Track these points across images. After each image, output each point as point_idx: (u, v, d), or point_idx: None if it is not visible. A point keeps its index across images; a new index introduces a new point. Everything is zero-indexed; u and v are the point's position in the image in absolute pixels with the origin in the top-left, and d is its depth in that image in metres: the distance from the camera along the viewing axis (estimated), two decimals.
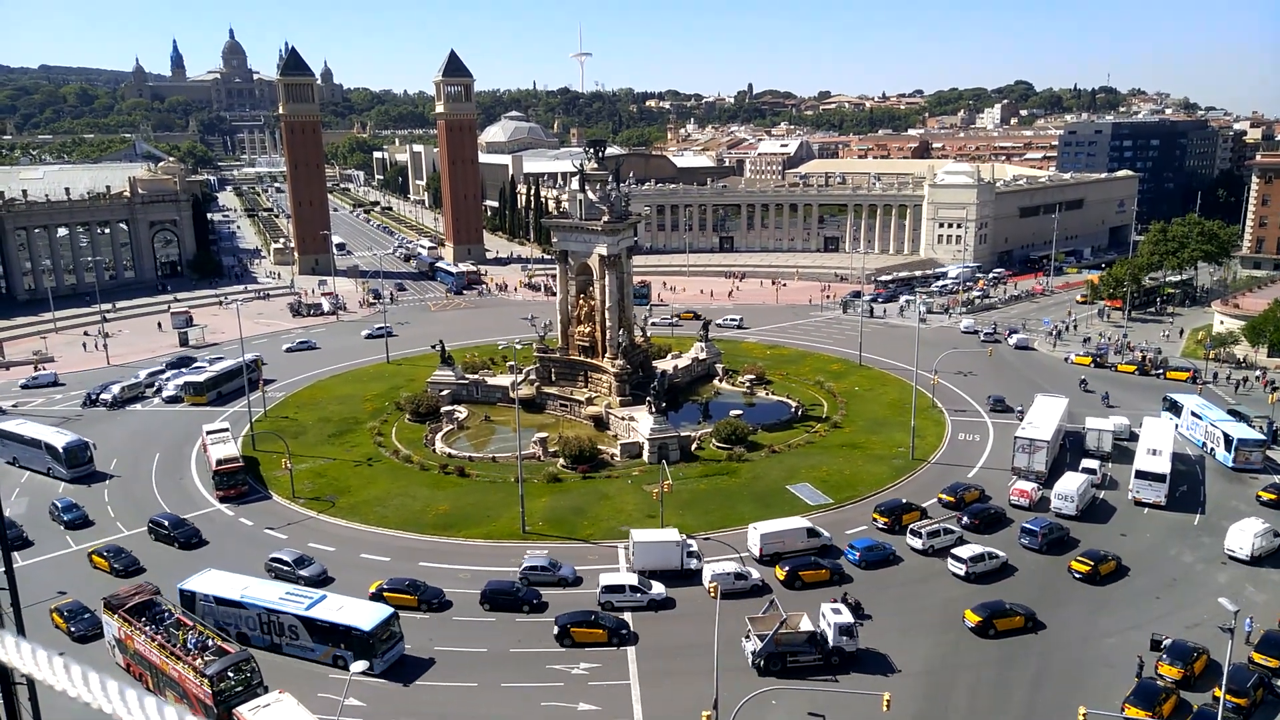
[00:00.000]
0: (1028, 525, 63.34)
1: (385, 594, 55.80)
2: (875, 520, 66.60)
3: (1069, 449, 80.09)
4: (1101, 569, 58.26)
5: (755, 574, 58.02)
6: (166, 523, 66.50)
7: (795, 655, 48.47)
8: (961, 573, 58.34)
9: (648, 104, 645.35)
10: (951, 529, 63.21)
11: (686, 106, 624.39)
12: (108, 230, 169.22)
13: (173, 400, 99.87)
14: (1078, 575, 58.15)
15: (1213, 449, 78.78)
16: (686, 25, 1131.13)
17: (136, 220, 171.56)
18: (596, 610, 54.13)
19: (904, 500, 68.83)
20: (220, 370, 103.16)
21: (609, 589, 55.83)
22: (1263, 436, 78.25)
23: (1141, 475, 69.87)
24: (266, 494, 74.59)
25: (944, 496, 70.23)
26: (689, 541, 61.12)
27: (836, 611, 50.11)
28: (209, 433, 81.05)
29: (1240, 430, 77.42)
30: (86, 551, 63.24)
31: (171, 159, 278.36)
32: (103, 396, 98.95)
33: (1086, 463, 75.67)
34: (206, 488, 74.66)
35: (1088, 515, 67.33)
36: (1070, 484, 68.01)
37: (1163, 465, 69.97)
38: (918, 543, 62.04)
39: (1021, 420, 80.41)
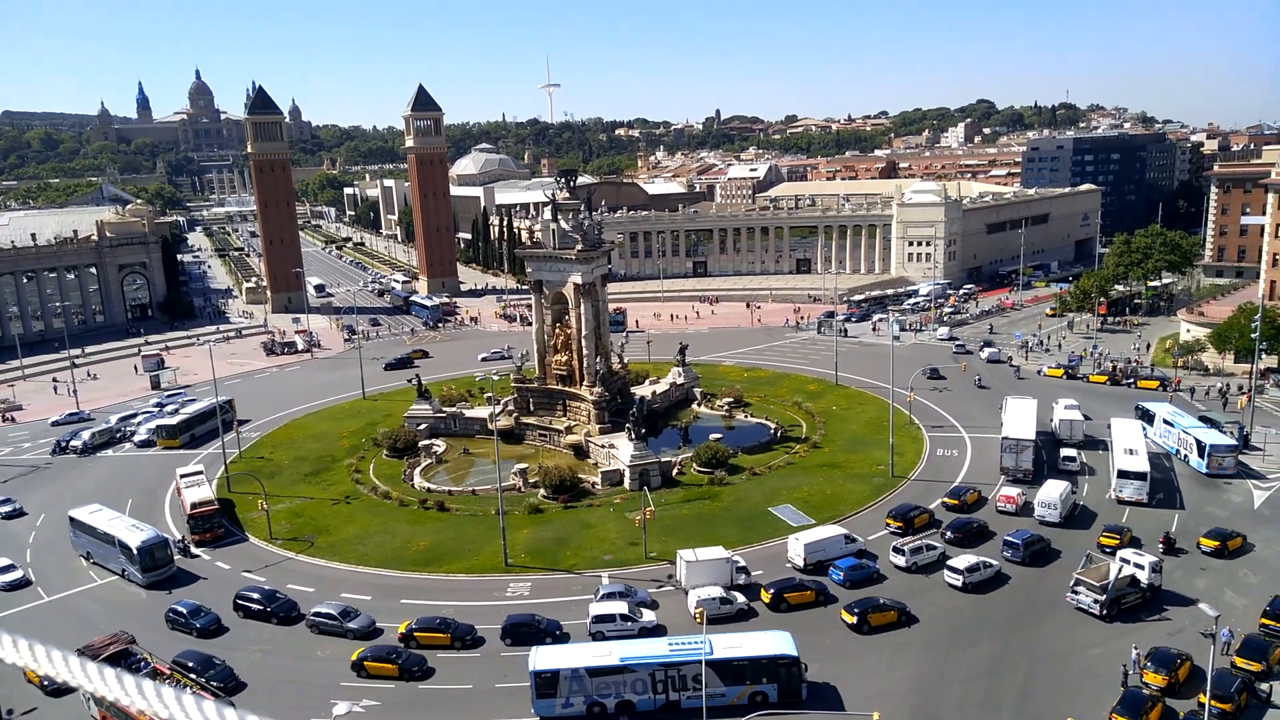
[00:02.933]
0: (1009, 538, 63.73)
1: (415, 634, 54.89)
2: (889, 525, 68.49)
3: (1042, 447, 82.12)
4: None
5: (740, 598, 57.78)
6: (185, 610, 59.50)
7: (1125, 598, 54.51)
8: (959, 583, 58.68)
9: (617, 132, 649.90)
10: (934, 545, 63.45)
11: (656, 134, 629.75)
12: (75, 275, 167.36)
13: (145, 444, 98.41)
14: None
15: (1186, 455, 79.83)
16: (653, 54, 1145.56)
17: (105, 264, 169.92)
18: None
19: (914, 505, 71.16)
20: (193, 412, 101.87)
21: (599, 619, 55.31)
22: (1234, 442, 79.44)
23: (1124, 475, 72.17)
24: (243, 536, 73.48)
25: (948, 500, 72.52)
26: (736, 557, 61.36)
27: (1138, 554, 57.56)
28: (183, 476, 79.75)
29: (1212, 436, 78.56)
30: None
31: (139, 201, 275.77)
32: (73, 443, 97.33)
33: (1065, 451, 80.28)
34: (182, 532, 73.40)
35: (1070, 522, 68.57)
36: (1052, 491, 69.46)
37: (1142, 464, 72.58)
38: (901, 560, 62.21)
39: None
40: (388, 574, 65.52)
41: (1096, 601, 54.22)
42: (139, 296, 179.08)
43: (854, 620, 54.67)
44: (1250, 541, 63.83)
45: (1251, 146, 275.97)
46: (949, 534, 66.31)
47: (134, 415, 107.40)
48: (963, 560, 60.02)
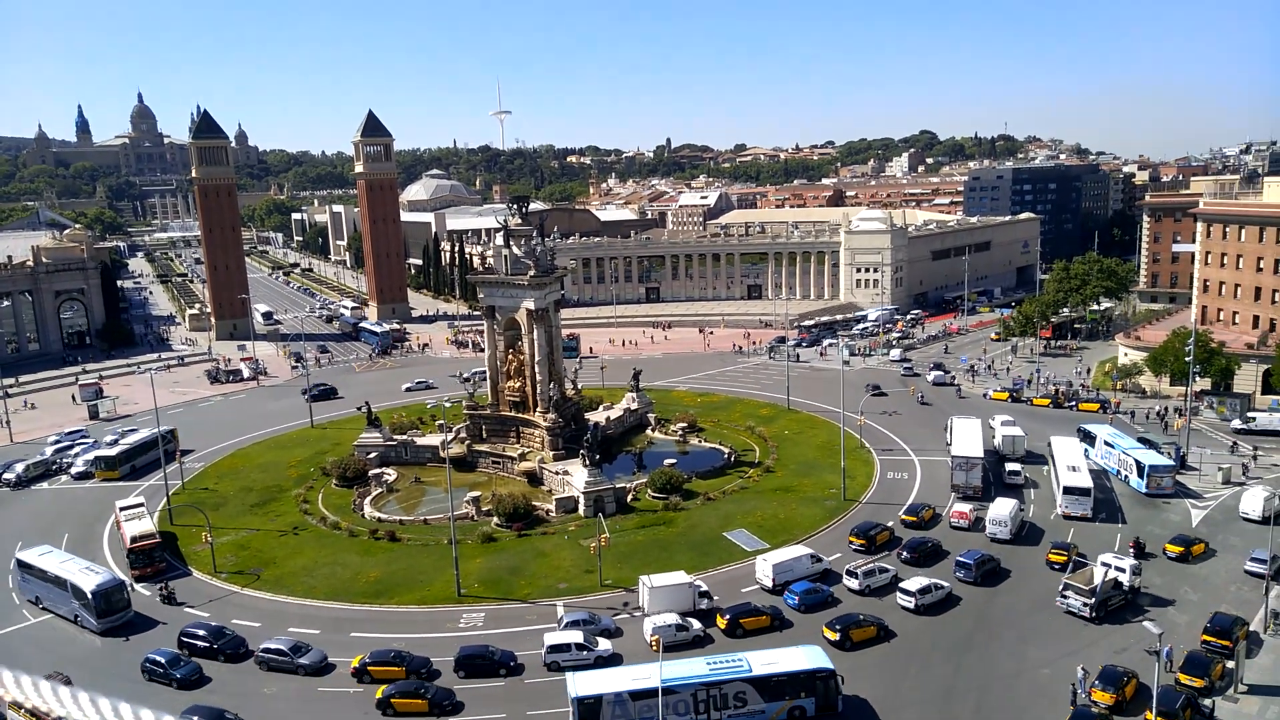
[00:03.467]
0: (961, 559, 64.93)
1: (369, 668, 53.46)
2: (852, 543, 69.95)
3: (988, 465, 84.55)
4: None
5: (696, 624, 57.62)
6: (163, 660, 56.18)
7: (1110, 600, 57.78)
8: (911, 605, 59.43)
9: (569, 160, 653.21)
10: (886, 568, 64.23)
11: (607, 161, 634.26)
12: (10, 302, 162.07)
13: (82, 476, 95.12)
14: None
15: (1126, 476, 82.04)
16: (605, 82, 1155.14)
17: (41, 290, 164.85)
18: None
19: (875, 523, 72.80)
20: (133, 443, 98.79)
21: (554, 648, 54.72)
22: (1172, 462, 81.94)
23: (1070, 491, 75.14)
24: (186, 570, 71.23)
25: (906, 517, 74.68)
26: (698, 582, 61.85)
27: (1118, 558, 61.32)
28: (123, 509, 77.29)
29: (1151, 457, 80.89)
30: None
31: (77, 226, 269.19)
32: (5, 476, 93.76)
33: (1010, 466, 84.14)
34: (121, 567, 70.88)
35: (1019, 539, 70.74)
36: (1003, 509, 71.80)
37: (1086, 480, 75.72)
38: (855, 583, 62.78)
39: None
40: (337, 606, 64.00)
41: (1086, 604, 57.21)
42: (77, 324, 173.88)
43: (836, 637, 55.40)
44: (1212, 547, 67.73)
45: (1180, 177, 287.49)
46: (905, 554, 67.54)
47: (69, 446, 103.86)
48: (914, 582, 60.86)
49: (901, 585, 61.13)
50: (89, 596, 60.70)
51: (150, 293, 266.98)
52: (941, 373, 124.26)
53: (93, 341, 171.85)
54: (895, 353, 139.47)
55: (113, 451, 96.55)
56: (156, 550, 70.94)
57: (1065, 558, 64.80)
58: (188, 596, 66.26)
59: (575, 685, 47.18)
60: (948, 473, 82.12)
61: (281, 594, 66.32)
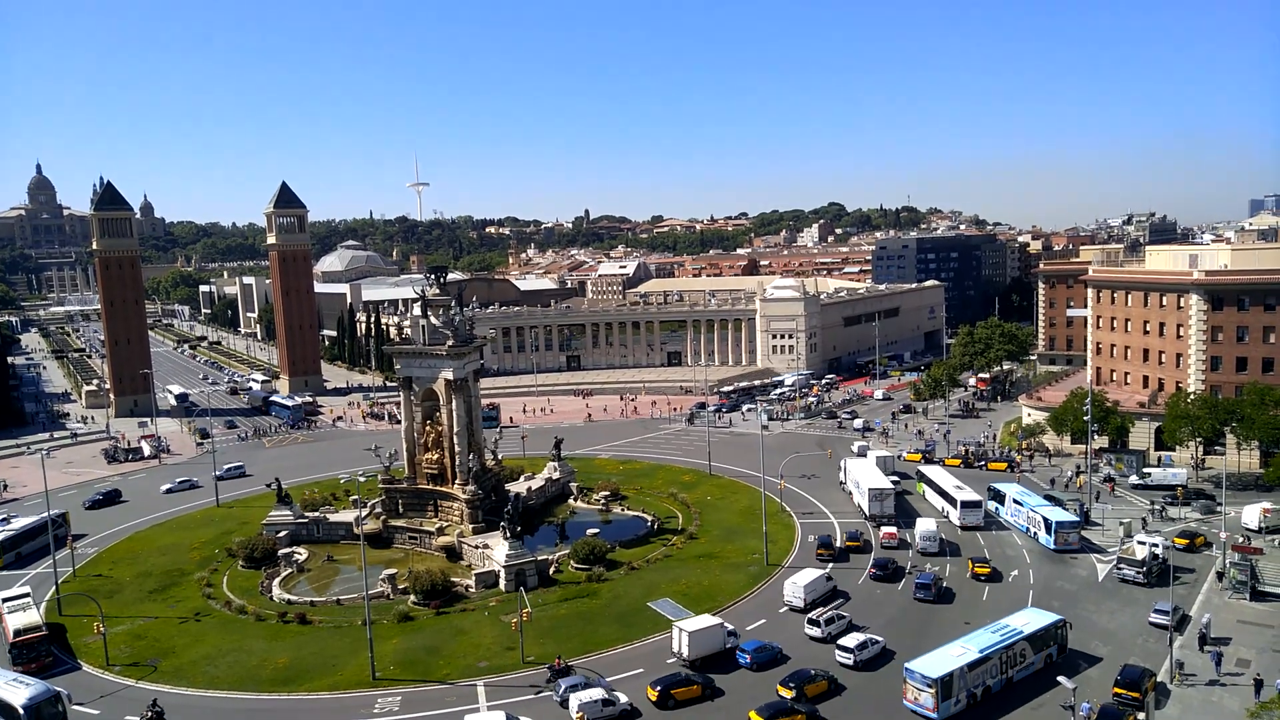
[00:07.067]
0: (920, 580, 72.79)
1: None
2: (819, 555, 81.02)
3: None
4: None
5: (623, 698, 56.29)
6: None
7: (1152, 568, 72.81)
8: (850, 661, 60.52)
9: (488, 230, 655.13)
10: (843, 615, 66.99)
11: (526, 232, 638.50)
12: None
13: None
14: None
15: (1035, 533, 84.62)
16: (522, 155, 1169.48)
17: None
18: None
19: (834, 537, 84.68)
20: (18, 529, 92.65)
21: None
22: (1078, 518, 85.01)
23: (966, 505, 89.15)
24: (75, 664, 66.36)
25: (851, 543, 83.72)
26: (726, 625, 64.40)
27: (1149, 536, 78.11)
28: (5, 600, 72.09)
29: (1058, 514, 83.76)
30: None
31: None
32: None
33: (891, 478, 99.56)
34: (3, 664, 65.61)
35: (943, 552, 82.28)
36: (929, 526, 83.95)
37: (974, 494, 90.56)
38: (817, 631, 64.73)
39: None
40: (241, 696, 60.35)
41: (1139, 572, 72.61)
42: None
43: (792, 694, 55.18)
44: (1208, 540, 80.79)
45: (1070, 246, 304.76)
46: (877, 571, 76.41)
47: None
48: (852, 639, 62.10)
49: (840, 643, 62.02)
50: (19, 712, 53.93)
51: (44, 369, 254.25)
52: (864, 443, 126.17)
53: None
54: (856, 422, 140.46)
55: None
56: (42, 644, 66.06)
57: (988, 570, 75.93)
58: (76, 693, 61.53)
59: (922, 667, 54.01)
60: (850, 506, 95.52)
61: (181, 686, 62.26)
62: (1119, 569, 74.15)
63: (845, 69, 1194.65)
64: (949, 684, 53.00)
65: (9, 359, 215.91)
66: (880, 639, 62.92)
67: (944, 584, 73.81)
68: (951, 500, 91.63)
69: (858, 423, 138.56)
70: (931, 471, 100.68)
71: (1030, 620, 60.25)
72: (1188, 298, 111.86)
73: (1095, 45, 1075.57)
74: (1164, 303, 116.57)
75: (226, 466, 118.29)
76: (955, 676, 53.32)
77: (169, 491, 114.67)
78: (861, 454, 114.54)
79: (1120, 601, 70.11)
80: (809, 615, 66.58)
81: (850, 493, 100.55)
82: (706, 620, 63.91)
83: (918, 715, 53.29)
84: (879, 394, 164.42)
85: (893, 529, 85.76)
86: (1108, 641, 63.26)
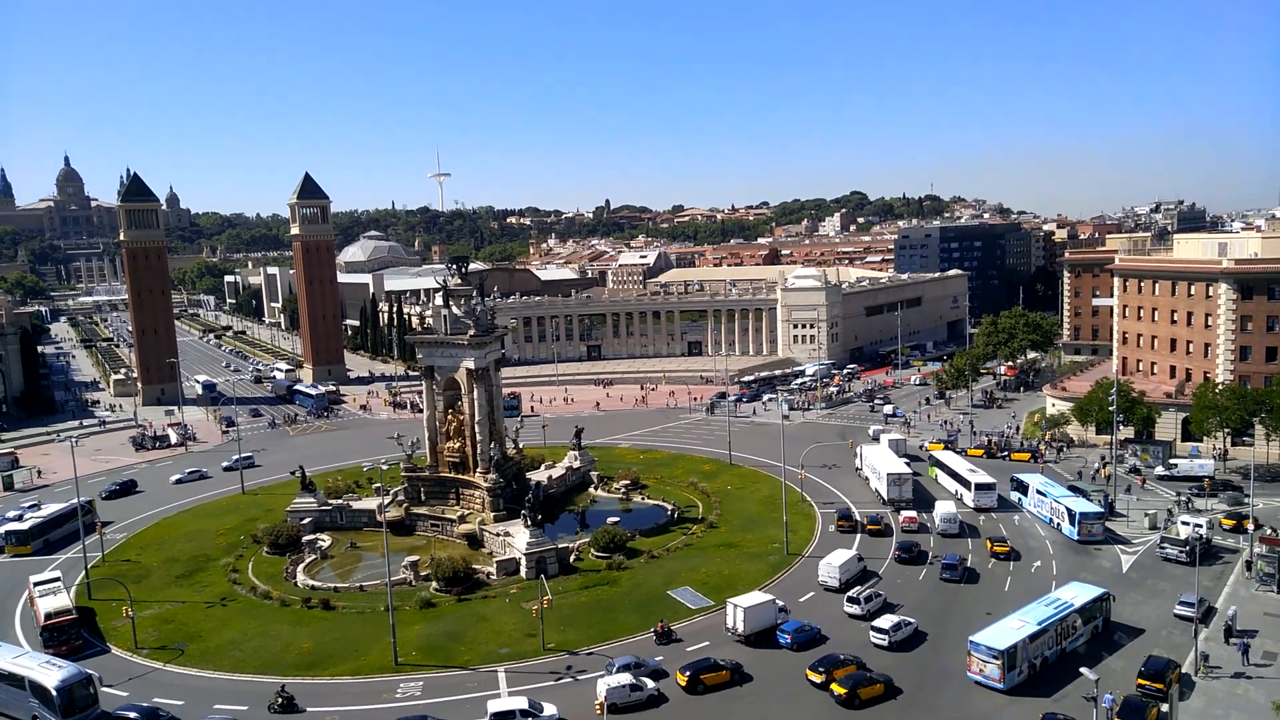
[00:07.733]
0: (946, 561, 74.34)
1: None
2: (840, 525, 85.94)
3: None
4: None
5: (650, 684, 56.42)
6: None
7: (1195, 547, 71.80)
8: (885, 643, 61.24)
9: (509, 220, 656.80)
10: (880, 593, 68.66)
11: (547, 222, 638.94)
12: None
13: None
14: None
15: (1059, 524, 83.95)
16: (543, 145, 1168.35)
17: None
18: None
19: (851, 510, 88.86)
20: (47, 516, 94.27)
21: (497, 716, 52.97)
22: (1101, 509, 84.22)
23: (980, 488, 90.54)
24: (104, 647, 67.58)
25: (871, 527, 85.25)
26: (778, 601, 66.92)
27: (1193, 517, 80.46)
28: (37, 584, 73.46)
29: (1081, 505, 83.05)
30: None
31: None
32: None
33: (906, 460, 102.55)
34: (35, 646, 66.90)
35: (963, 533, 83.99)
36: (948, 508, 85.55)
37: (988, 477, 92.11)
38: (856, 609, 66.28)
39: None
40: (267, 680, 61.05)
41: (1183, 551, 73.50)
42: None
43: (844, 693, 54.17)
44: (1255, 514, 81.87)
45: (1096, 235, 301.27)
46: (901, 554, 77.64)
47: None
48: (886, 620, 62.91)
49: (874, 624, 62.92)
50: (52, 693, 54.68)
51: (73, 358, 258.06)
52: (880, 428, 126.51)
53: (9, 409, 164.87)
54: (887, 408, 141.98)
55: (25, 525, 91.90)
56: (72, 627, 67.29)
57: (1006, 549, 78.07)
58: (106, 676, 62.62)
59: (985, 639, 55.71)
60: (868, 494, 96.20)
61: (208, 669, 63.27)
62: (1162, 547, 75.79)
63: (868, 58, 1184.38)
64: (1014, 655, 54.57)
65: (39, 348, 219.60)
66: (913, 620, 63.87)
67: (973, 569, 74.76)
68: (965, 483, 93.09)
69: (888, 409, 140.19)
70: (944, 455, 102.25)
71: (1078, 594, 62.22)
72: (1216, 286, 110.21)
73: (1123, 32, 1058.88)
74: (1192, 292, 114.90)
75: (235, 458, 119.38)
76: (1019, 648, 54.92)
77: (178, 482, 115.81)
78: (876, 439, 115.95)
79: (1145, 593, 69.45)
80: (848, 594, 68.23)
81: (867, 479, 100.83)
82: (759, 596, 66.29)
83: (983, 686, 54.58)
84: (915, 379, 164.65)
85: (912, 513, 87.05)
86: (1131, 634, 62.71)
